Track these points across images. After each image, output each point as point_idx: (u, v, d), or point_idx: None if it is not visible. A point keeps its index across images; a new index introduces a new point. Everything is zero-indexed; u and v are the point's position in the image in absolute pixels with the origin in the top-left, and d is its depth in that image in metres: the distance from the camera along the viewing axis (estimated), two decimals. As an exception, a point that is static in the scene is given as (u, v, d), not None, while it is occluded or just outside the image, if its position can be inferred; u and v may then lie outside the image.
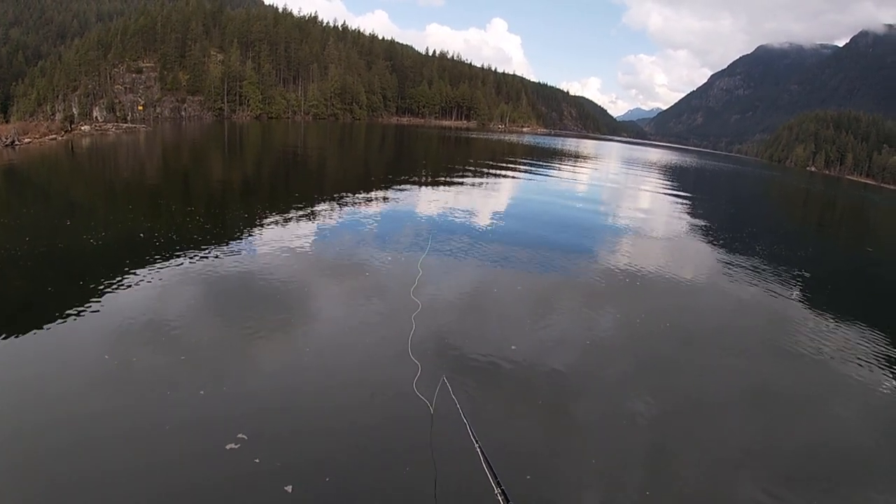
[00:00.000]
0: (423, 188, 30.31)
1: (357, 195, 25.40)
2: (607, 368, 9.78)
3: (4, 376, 7.69)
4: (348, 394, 7.99)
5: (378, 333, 10.11)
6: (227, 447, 6.42)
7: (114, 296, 10.63)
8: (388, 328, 10.30)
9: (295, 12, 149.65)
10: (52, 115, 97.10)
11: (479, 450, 5.01)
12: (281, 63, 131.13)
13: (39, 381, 7.61)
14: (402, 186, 29.82)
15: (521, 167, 50.97)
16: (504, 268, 15.35)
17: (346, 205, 22.70)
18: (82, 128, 57.81)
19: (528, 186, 37.13)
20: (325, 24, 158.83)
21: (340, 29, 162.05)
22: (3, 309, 10.19)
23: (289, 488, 5.90)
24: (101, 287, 10.94)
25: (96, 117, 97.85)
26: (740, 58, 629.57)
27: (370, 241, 16.44)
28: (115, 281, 11.31)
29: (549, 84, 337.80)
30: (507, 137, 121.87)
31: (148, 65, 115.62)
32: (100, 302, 10.27)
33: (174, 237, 15.01)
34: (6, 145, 36.02)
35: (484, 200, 27.62)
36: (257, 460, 6.26)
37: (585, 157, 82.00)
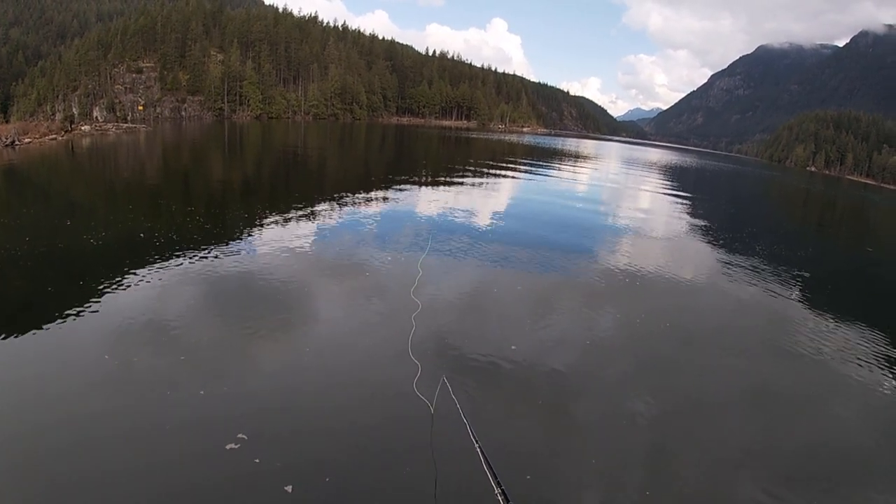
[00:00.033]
0: (423, 188, 30.32)
1: (357, 195, 25.40)
2: (607, 368, 9.78)
3: (4, 376, 7.69)
4: (348, 394, 8.00)
5: (378, 333, 10.11)
6: (228, 447, 6.42)
7: (114, 296, 10.63)
8: (389, 328, 10.30)
9: (295, 12, 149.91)
10: (53, 115, 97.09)
11: (479, 450, 5.01)
12: (281, 63, 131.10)
13: (39, 381, 7.61)
14: (402, 186, 29.81)
15: (522, 167, 50.98)
16: (504, 268, 15.35)
17: (347, 205, 22.71)
18: (82, 128, 57.79)
19: (528, 186, 37.14)
20: (325, 24, 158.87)
21: (340, 29, 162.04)
22: (3, 309, 10.19)
23: (289, 488, 5.90)
24: (101, 287, 10.94)
25: (96, 117, 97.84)
26: (740, 58, 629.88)
27: (370, 241, 16.44)
28: (115, 281, 11.31)
29: (549, 84, 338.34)
30: (507, 137, 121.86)
31: (148, 65, 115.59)
32: (100, 302, 10.27)
33: (174, 237, 15.01)
34: (6, 145, 36.02)
35: (484, 200, 27.63)
36: (257, 460, 6.26)
37: (585, 157, 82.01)
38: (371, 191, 27.53)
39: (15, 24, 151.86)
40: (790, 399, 9.65)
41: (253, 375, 8.20)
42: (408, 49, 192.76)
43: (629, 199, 36.55)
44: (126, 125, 70.08)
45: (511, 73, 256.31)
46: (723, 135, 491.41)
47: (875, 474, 7.71)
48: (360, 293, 12.10)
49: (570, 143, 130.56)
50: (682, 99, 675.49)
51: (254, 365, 8.54)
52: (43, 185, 24.93)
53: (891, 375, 10.80)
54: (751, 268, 18.48)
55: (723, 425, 8.43)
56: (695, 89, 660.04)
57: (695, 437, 7.99)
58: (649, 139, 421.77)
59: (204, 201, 22.12)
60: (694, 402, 9.07)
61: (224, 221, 18.11)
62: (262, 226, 17.40)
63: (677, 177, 66.95)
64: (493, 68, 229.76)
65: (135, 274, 11.80)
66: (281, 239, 15.65)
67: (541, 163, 59.27)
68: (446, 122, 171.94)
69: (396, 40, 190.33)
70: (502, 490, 4.31)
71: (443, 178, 35.41)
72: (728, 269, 18.18)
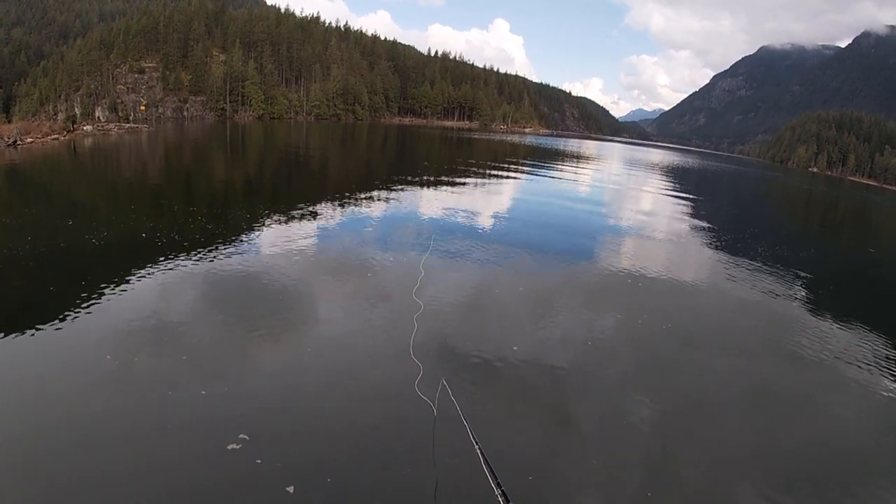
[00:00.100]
0: (425, 189, 30.31)
1: (359, 195, 25.40)
2: (608, 369, 9.77)
3: (5, 376, 7.69)
4: (350, 394, 7.99)
5: (380, 334, 10.11)
6: (229, 447, 6.42)
7: (115, 296, 10.64)
8: (391, 329, 10.29)
9: (297, 12, 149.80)
10: (55, 114, 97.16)
11: (479, 451, 5.01)
12: (283, 63, 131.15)
13: (40, 381, 7.62)
14: (404, 187, 29.83)
15: (523, 168, 51.01)
16: (506, 268, 15.36)
17: (349, 205, 22.71)
18: (84, 128, 57.84)
19: (529, 187, 37.15)
20: (327, 24, 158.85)
21: (343, 29, 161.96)
22: (4, 309, 10.20)
23: (290, 489, 5.90)
24: (103, 287, 10.94)
25: (98, 117, 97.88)
26: (742, 58, 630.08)
27: (372, 242, 16.44)
28: (116, 281, 11.31)
29: (551, 85, 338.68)
30: (509, 138, 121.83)
31: (150, 65, 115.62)
32: (101, 302, 10.28)
33: (176, 237, 15.02)
34: (8, 145, 36.09)
35: (486, 201, 27.64)
36: (259, 461, 6.26)
37: (587, 158, 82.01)
38: (373, 191, 27.51)
39: (17, 24, 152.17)
40: (791, 400, 9.65)
41: (254, 375, 8.20)
42: (410, 49, 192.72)
43: (631, 200, 36.54)
44: (128, 125, 70.11)
45: (513, 73, 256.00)
46: (725, 135, 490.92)
47: (875, 475, 7.69)
48: (362, 294, 12.10)
49: (572, 144, 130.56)
50: (685, 100, 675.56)
51: (255, 365, 8.54)
52: (45, 184, 24.96)
53: (891, 376, 10.79)
54: (752, 269, 18.46)
55: (724, 426, 8.42)
56: (697, 90, 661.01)
57: (696, 437, 7.98)
58: (651, 140, 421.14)
59: (206, 201, 22.14)
60: (695, 403, 9.07)
61: (226, 221, 18.12)
62: (263, 226, 17.42)
63: (679, 178, 66.88)
64: (496, 69, 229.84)
65: (136, 274, 11.81)
66: (283, 239, 15.66)
67: (542, 163, 59.28)
68: (448, 123, 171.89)
69: (398, 41, 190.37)
70: (502, 491, 4.32)
71: (445, 179, 35.38)
72: (730, 269, 18.16)
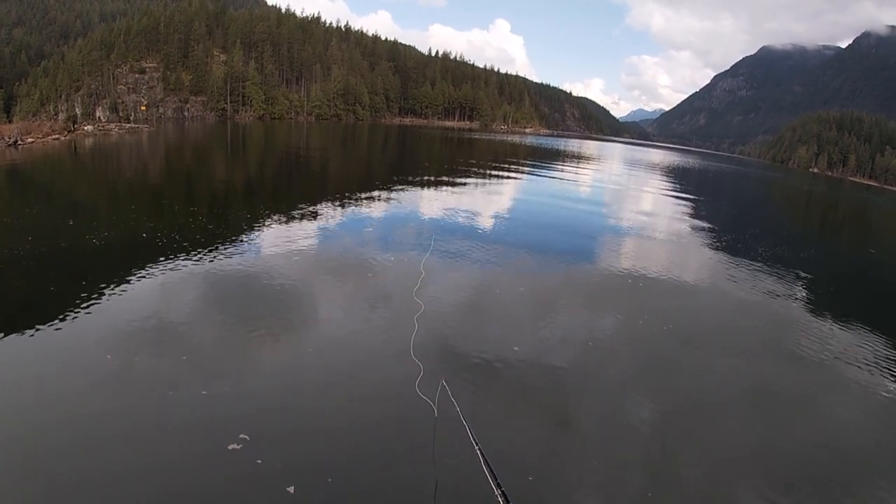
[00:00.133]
0: (426, 189, 30.31)
1: (360, 196, 25.40)
2: (609, 370, 9.76)
3: (5, 376, 7.68)
4: (351, 394, 7.99)
5: (381, 334, 10.11)
6: (230, 447, 6.41)
7: (116, 296, 10.64)
8: (391, 329, 10.29)
9: (298, 13, 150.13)
10: (55, 115, 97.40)
11: (478, 451, 5.01)
12: (284, 64, 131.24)
13: (40, 380, 7.61)
14: (405, 187, 29.85)
15: (524, 168, 51.04)
16: (506, 269, 15.35)
17: (349, 205, 22.72)
18: (85, 128, 57.91)
19: (530, 188, 37.16)
20: (327, 24, 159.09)
21: (343, 29, 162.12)
22: (4, 309, 10.20)
23: (291, 489, 5.90)
24: (103, 287, 10.94)
25: (99, 117, 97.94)
26: (743, 59, 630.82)
27: (373, 242, 16.44)
28: (117, 281, 11.31)
29: (551, 85, 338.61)
30: (509, 138, 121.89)
31: (151, 65, 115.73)
32: (102, 302, 10.27)
33: (177, 237, 15.00)
34: (9, 145, 36.12)
35: (486, 201, 27.63)
36: (259, 461, 6.26)
37: (588, 159, 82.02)
38: (373, 191, 27.52)
39: (18, 24, 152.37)
40: (792, 400, 9.64)
41: (255, 376, 8.20)
42: (410, 50, 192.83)
43: (631, 200, 36.53)
44: (129, 125, 70.15)
45: (514, 73, 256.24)
46: (725, 136, 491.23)
47: (876, 475, 7.68)
48: (362, 294, 12.10)
49: (573, 144, 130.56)
50: (685, 100, 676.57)
51: (256, 365, 8.54)
52: (45, 184, 24.96)
53: (892, 377, 10.78)
54: (753, 269, 18.45)
55: (724, 426, 8.41)
56: (697, 90, 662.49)
57: (696, 437, 7.98)
58: (652, 140, 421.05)
59: (206, 201, 22.14)
60: (696, 403, 9.05)
61: (227, 222, 18.11)
62: (264, 226, 17.41)
63: (680, 178, 66.85)
64: (496, 69, 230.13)
65: (137, 274, 11.81)
66: (283, 239, 15.66)
67: (543, 164, 59.30)
68: (449, 123, 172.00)
69: (399, 41, 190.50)
70: (502, 491, 4.32)
71: (445, 179, 35.38)
72: (730, 270, 18.15)
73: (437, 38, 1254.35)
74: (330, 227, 18.16)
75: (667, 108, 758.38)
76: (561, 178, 44.99)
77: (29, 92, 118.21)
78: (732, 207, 44.17)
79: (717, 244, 23.16)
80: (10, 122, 64.45)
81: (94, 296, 10.47)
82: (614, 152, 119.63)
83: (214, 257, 13.41)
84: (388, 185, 29.86)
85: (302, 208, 20.63)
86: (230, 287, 11.81)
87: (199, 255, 13.39)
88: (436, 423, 7.15)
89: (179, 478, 6.04)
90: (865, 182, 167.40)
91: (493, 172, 42.98)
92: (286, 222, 18.12)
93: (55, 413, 6.93)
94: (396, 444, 6.98)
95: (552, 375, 9.18)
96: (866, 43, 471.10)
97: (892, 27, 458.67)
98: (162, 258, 12.91)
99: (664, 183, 55.07)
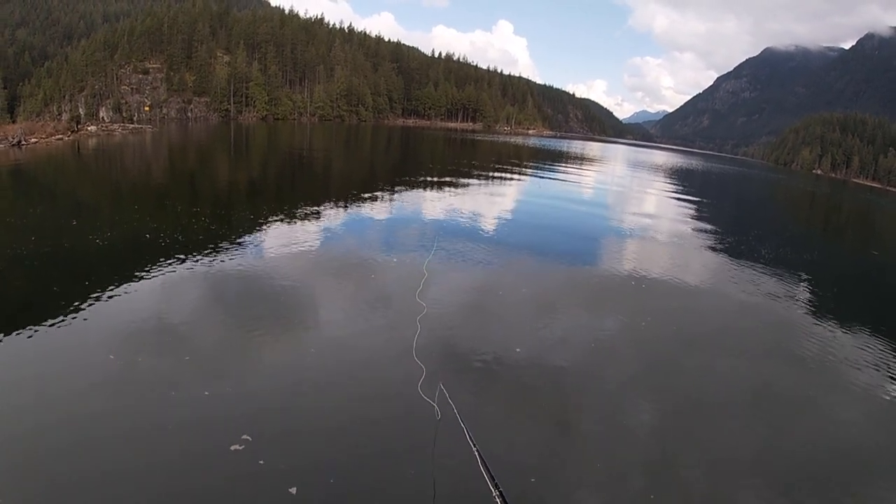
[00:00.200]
0: (429, 190, 30.27)
1: (362, 197, 25.39)
2: (612, 371, 9.74)
3: (7, 376, 7.69)
4: (352, 396, 7.98)
5: (383, 335, 10.10)
6: (231, 448, 6.41)
7: (119, 296, 10.64)
8: (393, 330, 10.29)
9: (301, 14, 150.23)
10: (59, 115, 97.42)
11: (476, 453, 5.02)
12: (287, 64, 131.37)
13: (42, 380, 7.61)
14: (408, 189, 29.89)
15: (527, 169, 51.04)
16: (509, 270, 15.35)
17: (352, 207, 22.71)
18: (88, 128, 58.04)
19: (533, 189, 37.12)
20: (331, 25, 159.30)
21: (346, 31, 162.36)
22: (7, 308, 10.21)
23: (293, 490, 5.90)
24: (106, 287, 10.94)
25: (102, 118, 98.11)
26: (746, 60, 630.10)
27: (376, 243, 16.45)
28: (120, 281, 11.32)
29: (554, 86, 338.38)
30: (512, 139, 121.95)
31: (154, 66, 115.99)
32: (104, 302, 10.28)
33: (180, 238, 15.02)
34: (13, 145, 36.20)
35: (489, 203, 27.62)
36: (261, 462, 6.25)
37: (591, 160, 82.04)
38: (376, 192, 27.55)
39: (22, 25, 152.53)
40: (794, 402, 9.61)
41: (257, 376, 8.19)
42: (414, 51, 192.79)
43: (635, 202, 36.54)
44: (132, 126, 70.37)
45: (517, 75, 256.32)
46: (729, 137, 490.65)
47: (877, 476, 7.67)
48: (365, 295, 12.10)
49: (576, 146, 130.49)
50: (688, 101, 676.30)
51: (258, 366, 8.53)
52: (49, 185, 24.99)
53: (893, 379, 10.75)
54: (756, 271, 18.41)
55: (726, 428, 8.38)
56: (700, 91, 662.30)
57: (698, 439, 7.96)
58: (655, 142, 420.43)
59: (209, 202, 22.17)
60: (697, 405, 9.04)
61: (230, 222, 18.11)
62: (267, 227, 17.42)
63: (683, 180, 66.80)
64: (499, 70, 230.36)
65: (140, 274, 11.82)
66: (286, 240, 15.67)
67: (546, 165, 59.28)
68: (452, 124, 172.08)
69: (402, 42, 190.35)
70: (500, 492, 4.33)
71: (448, 180, 35.37)
72: (733, 272, 18.12)
73: (440, 39, 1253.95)
74: (333, 227, 18.16)
75: (670, 110, 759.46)
76: (564, 180, 44.96)
77: (32, 92, 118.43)
78: (735, 209, 44.12)
79: (720, 246, 23.12)
80: (13, 122, 64.61)
81: (97, 296, 10.48)
82: (617, 154, 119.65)
83: (217, 258, 13.41)
84: (390, 187, 29.90)
85: (305, 209, 20.65)
86: (233, 287, 11.82)
87: (201, 256, 13.40)
88: (437, 425, 7.14)
89: (181, 478, 6.04)
90: (869, 184, 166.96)
91: (496, 174, 43.03)
92: (289, 223, 18.13)
93: (56, 413, 6.94)
94: (398, 446, 6.97)
95: (555, 377, 9.17)
96: (870, 44, 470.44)
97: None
98: (165, 258, 12.92)
99: (667, 184, 55.03)
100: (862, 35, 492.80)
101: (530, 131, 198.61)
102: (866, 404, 9.75)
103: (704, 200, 44.41)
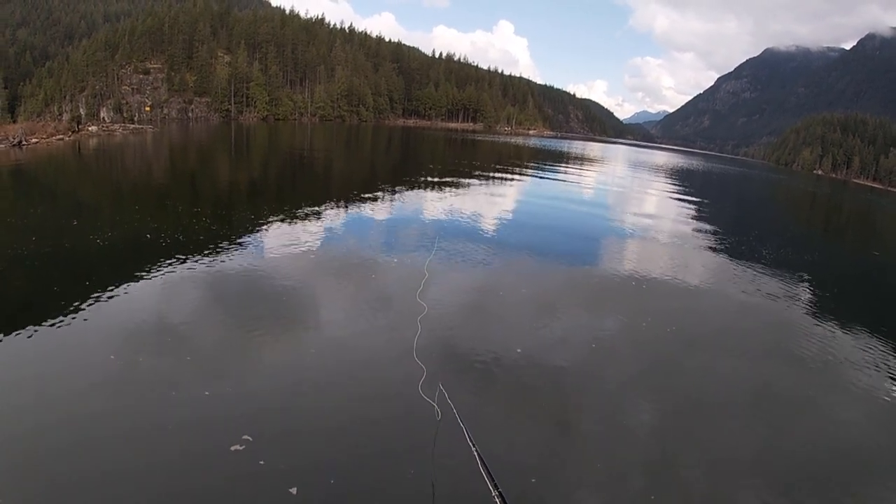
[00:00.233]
0: (430, 190, 30.24)
1: (363, 197, 25.38)
2: (613, 372, 9.74)
3: (8, 376, 7.69)
4: (353, 396, 7.98)
5: (383, 336, 10.10)
6: (232, 448, 6.41)
7: (119, 296, 10.65)
8: (394, 330, 10.29)
9: (302, 14, 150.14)
10: (60, 115, 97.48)
11: (476, 453, 5.02)
12: (288, 65, 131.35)
13: (43, 381, 7.61)
14: (409, 189, 29.89)
15: (528, 170, 51.03)
16: (510, 271, 15.35)
17: (353, 207, 22.71)
18: (89, 128, 58.03)
19: (534, 189, 37.11)
20: (331, 25, 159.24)
21: (347, 31, 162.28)
22: (8, 308, 10.20)
23: (293, 490, 5.90)
24: (107, 287, 10.94)
25: (103, 118, 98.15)
26: (747, 60, 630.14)
27: (376, 244, 16.46)
28: (120, 281, 11.32)
29: (555, 86, 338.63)
30: (513, 140, 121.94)
31: (155, 66, 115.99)
32: (105, 302, 10.28)
33: (181, 238, 15.03)
34: (13, 145, 36.19)
35: (490, 203, 27.59)
36: (262, 462, 6.25)
37: (591, 160, 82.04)
38: (377, 193, 27.54)
39: (23, 25, 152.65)
40: (794, 402, 9.61)
41: (258, 376, 8.19)
42: (414, 51, 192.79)
43: (635, 202, 36.54)
44: (133, 126, 70.34)
45: (517, 75, 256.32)
46: (729, 138, 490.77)
47: (877, 476, 7.67)
48: (365, 295, 12.09)
49: (577, 146, 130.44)
50: (689, 102, 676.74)
51: (259, 366, 8.53)
52: (49, 185, 24.99)
53: (893, 380, 10.74)
54: (757, 271, 18.41)
55: (727, 428, 8.38)
56: (701, 92, 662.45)
57: (699, 439, 7.96)
58: (656, 142, 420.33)
59: (210, 202, 22.17)
60: (698, 405, 9.03)
61: (230, 222, 18.11)
62: (268, 227, 17.42)
63: (684, 180, 66.77)
64: (500, 70, 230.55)
65: (141, 274, 11.82)
66: (287, 240, 15.67)
67: (547, 165, 59.26)
68: (452, 125, 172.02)
69: (403, 42, 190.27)
70: (500, 492, 4.33)
71: (449, 181, 35.34)
72: (734, 272, 18.11)
73: (440, 39, 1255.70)
74: (333, 228, 18.16)
75: (670, 110, 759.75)
76: (564, 180, 44.97)
77: (33, 92, 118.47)
78: (736, 209, 44.12)
79: (721, 246, 23.12)
80: (14, 122, 64.59)
81: (98, 296, 10.49)
82: (618, 154, 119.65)
83: (218, 258, 13.42)
84: (391, 187, 29.90)
85: (305, 209, 20.65)
86: (233, 288, 11.82)
87: (202, 256, 13.40)
88: (438, 425, 7.14)
89: (181, 478, 6.05)
90: (869, 184, 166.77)
91: (497, 174, 43.00)
92: (289, 223, 18.13)
93: (56, 413, 6.94)
94: (399, 446, 6.97)
95: (555, 377, 9.17)
96: (870, 45, 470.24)
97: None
98: (165, 259, 12.92)
99: (668, 185, 55.01)
100: (863, 35, 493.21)
101: (531, 132, 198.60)
102: (867, 404, 9.74)
103: (705, 201, 44.38)
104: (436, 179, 35.59)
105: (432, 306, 11.27)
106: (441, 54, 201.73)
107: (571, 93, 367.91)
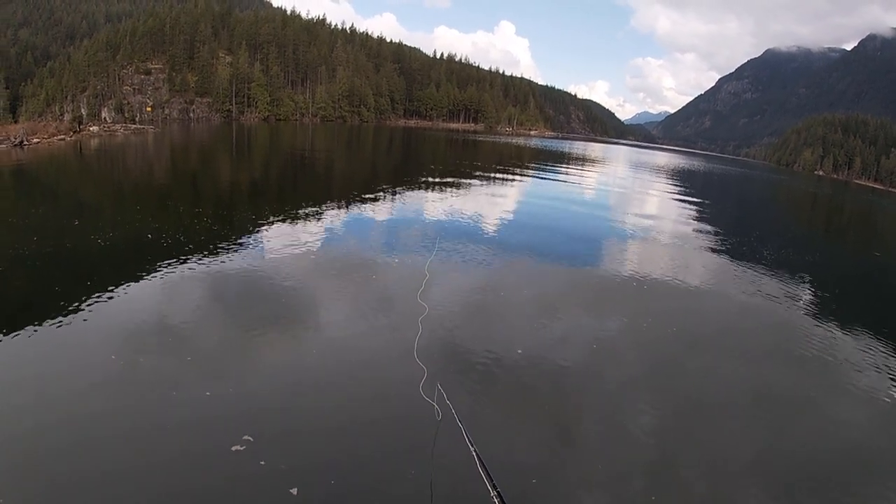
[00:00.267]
0: (431, 191, 30.23)
1: (364, 198, 25.38)
2: (614, 372, 9.74)
3: (9, 376, 7.69)
4: (354, 397, 7.98)
5: (384, 336, 10.10)
6: (233, 449, 6.41)
7: (120, 296, 10.66)
8: (395, 331, 10.29)
9: (303, 15, 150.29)
10: (61, 115, 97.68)
11: (475, 454, 5.02)
12: (289, 65, 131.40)
13: (43, 381, 7.61)
14: (410, 189, 29.87)
15: (529, 170, 51.01)
16: (511, 271, 15.34)
17: (354, 207, 22.70)
18: (91, 128, 58.07)
19: (535, 190, 37.09)
20: (333, 26, 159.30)
21: (348, 31, 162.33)
22: (9, 308, 10.20)
23: (294, 490, 5.89)
24: (108, 287, 10.95)
25: (105, 118, 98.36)
26: (748, 61, 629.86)
27: (377, 244, 16.46)
28: (122, 281, 11.33)
29: (556, 87, 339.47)
30: (514, 140, 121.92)
31: (156, 66, 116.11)
32: (106, 302, 10.29)
33: (182, 238, 15.03)
34: (15, 145, 36.22)
35: (491, 204, 27.58)
36: (262, 462, 6.25)
37: (593, 161, 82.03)
38: (378, 193, 27.53)
39: (24, 25, 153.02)
40: (796, 404, 9.60)
41: (258, 377, 8.19)
42: (415, 52, 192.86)
43: (636, 203, 36.51)
44: (134, 126, 70.41)
45: (519, 75, 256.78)
46: (730, 138, 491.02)
47: (877, 477, 7.66)
48: (366, 296, 12.08)
49: (578, 147, 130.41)
50: (690, 102, 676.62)
51: (259, 366, 8.53)
52: (51, 185, 25.01)
53: (894, 381, 10.74)
54: (758, 272, 18.40)
55: (728, 429, 8.37)
56: (702, 93, 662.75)
57: (700, 440, 7.95)
58: (657, 143, 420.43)
59: (211, 203, 22.16)
60: (699, 406, 9.02)
61: (231, 223, 18.12)
62: (269, 227, 17.42)
63: (685, 181, 66.75)
64: (501, 71, 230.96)
65: (142, 275, 11.83)
66: (288, 241, 15.67)
67: (548, 166, 59.23)
68: (454, 125, 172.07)
69: (404, 43, 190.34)
70: (498, 493, 4.34)
71: (450, 181, 35.33)
72: (735, 273, 18.10)
73: (441, 39, 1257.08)
74: (334, 228, 18.15)
75: (672, 111, 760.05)
76: (565, 181, 44.96)
77: (35, 92, 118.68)
78: (737, 210, 44.10)
79: (722, 247, 23.10)
80: (15, 122, 64.65)
81: (99, 296, 10.49)
82: (619, 155, 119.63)
83: (219, 258, 13.42)
84: (392, 187, 29.93)
85: (306, 210, 20.65)
86: (234, 288, 11.82)
87: (203, 256, 13.40)
88: (439, 426, 7.14)
89: (181, 478, 6.05)
90: (871, 185, 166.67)
91: (498, 175, 43.00)
92: (291, 224, 18.13)
93: (56, 413, 6.94)
94: (400, 447, 6.97)
95: (556, 378, 9.17)
96: (871, 45, 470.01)
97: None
98: (166, 259, 12.92)
99: (669, 186, 54.98)
100: (864, 36, 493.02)
101: (532, 132, 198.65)
102: (867, 405, 9.74)
103: (706, 201, 44.35)
104: (437, 180, 35.59)
105: (433, 307, 11.27)
106: (442, 55, 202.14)
107: (573, 93, 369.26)
